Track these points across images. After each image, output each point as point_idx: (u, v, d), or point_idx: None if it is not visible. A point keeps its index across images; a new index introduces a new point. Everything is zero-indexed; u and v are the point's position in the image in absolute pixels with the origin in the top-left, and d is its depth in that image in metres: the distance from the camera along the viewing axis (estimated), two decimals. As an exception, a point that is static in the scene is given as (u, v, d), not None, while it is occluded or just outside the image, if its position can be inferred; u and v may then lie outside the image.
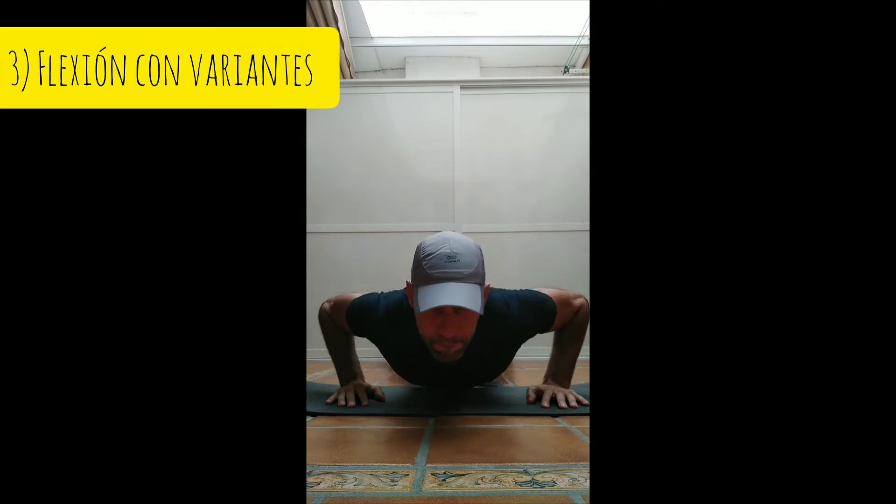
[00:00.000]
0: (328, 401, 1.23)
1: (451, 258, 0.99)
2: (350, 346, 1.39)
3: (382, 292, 1.30)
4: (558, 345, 1.32)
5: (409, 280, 1.07)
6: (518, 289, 1.28)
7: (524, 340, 1.28)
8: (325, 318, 1.38)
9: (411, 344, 1.18)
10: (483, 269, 1.04)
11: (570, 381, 1.29)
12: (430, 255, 1.01)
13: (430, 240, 1.05)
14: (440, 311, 1.00)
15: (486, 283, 1.08)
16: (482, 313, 1.02)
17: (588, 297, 1.19)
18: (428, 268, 1.00)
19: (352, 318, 1.28)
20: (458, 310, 1.00)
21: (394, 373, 1.63)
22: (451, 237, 1.04)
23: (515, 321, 1.20)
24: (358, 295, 1.32)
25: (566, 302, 1.26)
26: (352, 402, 1.20)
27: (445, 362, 1.10)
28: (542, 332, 1.28)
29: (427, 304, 0.97)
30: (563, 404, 1.15)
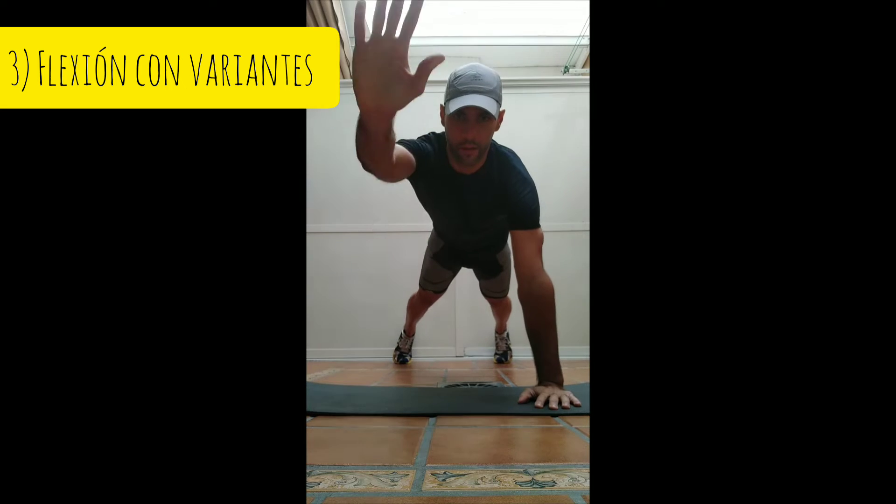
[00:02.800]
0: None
1: (476, 77, 1.25)
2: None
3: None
4: (535, 337, 1.31)
5: (442, 103, 1.32)
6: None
7: (507, 210, 1.40)
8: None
9: (441, 165, 1.40)
10: (501, 91, 1.30)
11: (562, 375, 1.27)
12: (459, 75, 1.27)
13: (460, 68, 1.31)
14: (465, 116, 1.26)
15: (502, 108, 1.32)
16: (496, 118, 1.29)
17: (588, 297, 1.18)
18: (457, 84, 1.26)
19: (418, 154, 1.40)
20: (479, 118, 1.26)
21: (395, 372, 1.63)
22: (477, 65, 1.30)
23: (512, 174, 1.39)
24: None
25: (535, 253, 1.35)
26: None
27: (467, 173, 1.36)
28: (511, 224, 1.39)
29: (456, 106, 1.23)
30: (555, 405, 1.14)
